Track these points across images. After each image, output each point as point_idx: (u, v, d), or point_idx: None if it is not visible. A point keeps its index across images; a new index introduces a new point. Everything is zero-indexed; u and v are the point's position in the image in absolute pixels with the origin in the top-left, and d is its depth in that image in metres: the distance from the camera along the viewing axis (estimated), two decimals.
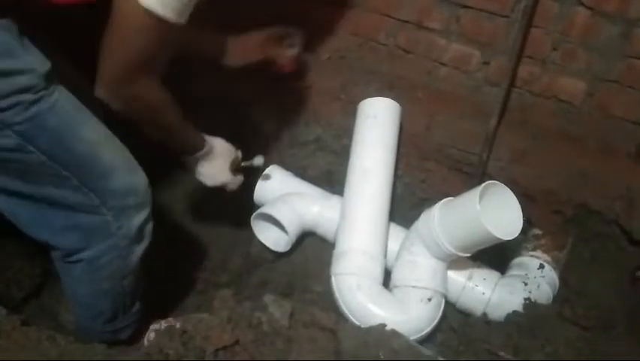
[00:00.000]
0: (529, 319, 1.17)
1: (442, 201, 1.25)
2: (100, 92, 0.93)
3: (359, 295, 1.22)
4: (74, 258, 1.08)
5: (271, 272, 1.50)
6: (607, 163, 1.37)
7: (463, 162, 1.50)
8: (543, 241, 1.38)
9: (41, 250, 1.39)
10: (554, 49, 1.34)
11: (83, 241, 1.06)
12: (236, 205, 1.69)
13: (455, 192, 1.53)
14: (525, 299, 1.22)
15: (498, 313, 1.23)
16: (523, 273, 1.30)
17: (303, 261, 1.50)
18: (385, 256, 1.32)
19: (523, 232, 1.46)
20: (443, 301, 1.25)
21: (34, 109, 0.90)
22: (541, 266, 1.31)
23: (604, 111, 1.36)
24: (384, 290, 1.27)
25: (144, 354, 0.86)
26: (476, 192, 1.12)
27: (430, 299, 1.21)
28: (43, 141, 0.93)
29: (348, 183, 1.41)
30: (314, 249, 1.51)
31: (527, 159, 1.43)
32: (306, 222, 1.46)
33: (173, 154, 1.17)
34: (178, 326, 0.89)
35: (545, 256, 1.33)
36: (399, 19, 1.51)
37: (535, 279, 1.28)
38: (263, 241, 1.49)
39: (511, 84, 1.40)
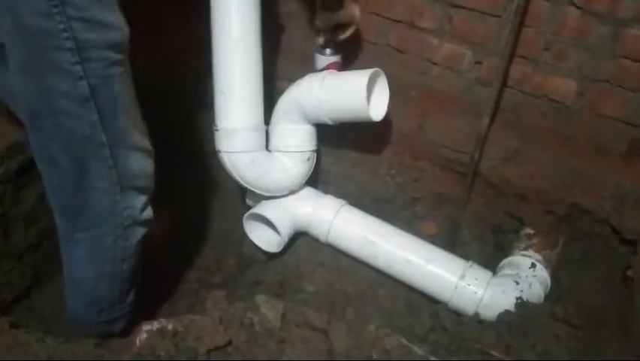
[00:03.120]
0: (521, 318, 1.17)
1: (322, 76, 1.37)
2: None
3: (253, 168, 1.37)
4: (80, 236, 1.07)
5: (263, 272, 1.50)
6: (598, 162, 1.38)
7: (455, 162, 1.50)
8: (535, 240, 1.38)
9: (31, 251, 1.39)
10: (546, 49, 1.35)
11: (91, 219, 1.06)
12: (229, 205, 1.68)
13: (447, 191, 1.54)
14: (517, 298, 1.22)
15: (490, 312, 1.24)
16: (514, 272, 1.30)
17: (295, 261, 1.50)
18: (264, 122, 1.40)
19: (515, 231, 1.47)
20: (315, 155, 1.47)
21: (112, 70, 0.92)
22: (533, 265, 1.31)
23: (595, 111, 1.37)
24: (272, 157, 1.41)
25: (136, 355, 0.85)
26: (364, 75, 1.27)
27: (309, 159, 1.44)
28: (103, 101, 0.94)
29: (216, 55, 1.32)
30: (306, 249, 1.51)
31: (519, 159, 1.44)
32: (299, 223, 1.46)
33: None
34: (170, 326, 0.88)
35: (537, 255, 1.34)
36: (390, 19, 1.51)
37: (526, 278, 1.28)
38: (255, 241, 1.49)
39: (503, 84, 1.40)
